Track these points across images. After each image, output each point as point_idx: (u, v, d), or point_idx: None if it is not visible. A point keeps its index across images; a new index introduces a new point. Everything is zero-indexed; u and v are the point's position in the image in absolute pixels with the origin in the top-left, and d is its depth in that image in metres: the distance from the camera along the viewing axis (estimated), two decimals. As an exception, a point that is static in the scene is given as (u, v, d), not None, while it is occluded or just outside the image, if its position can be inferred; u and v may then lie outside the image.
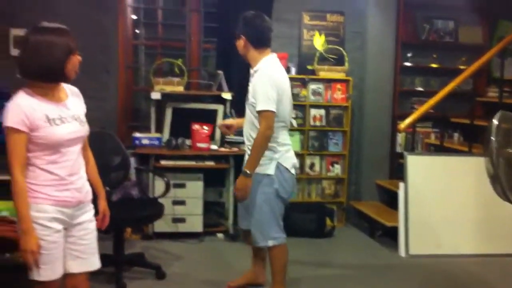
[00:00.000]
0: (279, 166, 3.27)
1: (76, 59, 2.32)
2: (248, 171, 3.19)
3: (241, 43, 3.32)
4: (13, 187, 2.22)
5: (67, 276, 2.39)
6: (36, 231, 2.24)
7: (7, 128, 2.22)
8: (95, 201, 2.56)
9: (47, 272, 2.29)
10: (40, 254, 2.24)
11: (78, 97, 2.47)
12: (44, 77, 2.28)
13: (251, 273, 3.75)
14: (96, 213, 2.54)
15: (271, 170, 3.26)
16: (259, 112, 3.17)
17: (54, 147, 2.28)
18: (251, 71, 3.36)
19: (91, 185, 2.51)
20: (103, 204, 2.61)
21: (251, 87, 3.31)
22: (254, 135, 3.23)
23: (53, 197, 2.28)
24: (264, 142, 3.16)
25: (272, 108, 3.15)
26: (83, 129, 2.41)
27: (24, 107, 2.22)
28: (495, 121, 3.04)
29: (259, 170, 3.23)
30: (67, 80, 2.35)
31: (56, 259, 2.31)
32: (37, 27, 2.28)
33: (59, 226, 2.31)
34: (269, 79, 3.19)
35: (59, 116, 2.30)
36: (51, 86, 2.32)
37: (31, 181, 2.26)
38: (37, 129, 2.23)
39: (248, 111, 3.34)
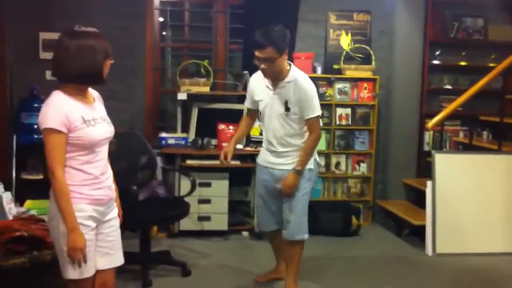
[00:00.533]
0: (314, 161, 3.49)
1: (109, 63, 2.38)
2: (301, 169, 3.40)
3: (283, 58, 3.30)
4: (56, 188, 2.24)
5: (96, 272, 2.42)
6: None
7: (46, 129, 2.23)
8: None
9: (84, 269, 2.32)
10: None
11: (100, 100, 2.52)
12: (84, 80, 2.33)
13: (276, 269, 3.85)
14: None
15: (312, 164, 3.47)
16: (311, 119, 3.34)
17: (90, 147, 2.33)
18: (281, 83, 3.34)
19: None
20: (118, 203, 2.62)
21: (293, 97, 3.32)
22: (292, 141, 3.41)
23: (88, 196, 2.33)
24: (317, 143, 3.49)
25: (320, 112, 3.42)
26: (111, 130, 2.47)
27: (64, 108, 2.26)
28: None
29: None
30: (103, 83, 2.39)
31: (91, 256, 2.35)
32: (75, 31, 2.31)
33: (94, 224, 2.36)
34: (312, 86, 3.36)
35: (92, 117, 2.35)
36: (84, 88, 2.38)
37: (67, 181, 2.28)
38: (75, 130, 2.27)
39: (284, 121, 3.39)
